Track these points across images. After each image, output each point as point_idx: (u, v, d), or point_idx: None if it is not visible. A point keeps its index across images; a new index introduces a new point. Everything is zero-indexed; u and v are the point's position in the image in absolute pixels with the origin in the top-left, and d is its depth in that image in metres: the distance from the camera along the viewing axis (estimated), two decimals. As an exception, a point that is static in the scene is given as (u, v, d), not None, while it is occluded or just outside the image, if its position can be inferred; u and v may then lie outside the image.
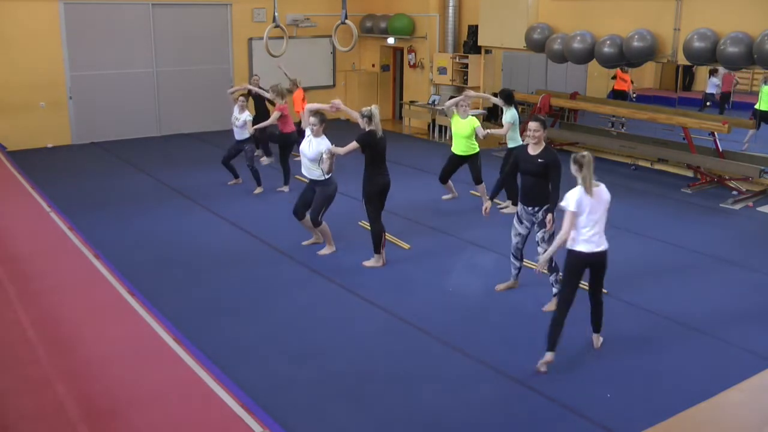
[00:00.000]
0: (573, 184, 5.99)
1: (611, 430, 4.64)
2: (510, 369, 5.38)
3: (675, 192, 10.53)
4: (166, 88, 14.61)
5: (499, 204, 9.57)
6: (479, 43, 14.24)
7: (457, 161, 9.43)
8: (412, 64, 15.77)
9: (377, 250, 7.43)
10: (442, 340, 5.85)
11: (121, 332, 5.53)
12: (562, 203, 5.27)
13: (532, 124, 6.12)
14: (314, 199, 7.52)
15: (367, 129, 7.09)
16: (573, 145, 12.91)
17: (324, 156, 7.23)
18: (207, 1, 14.73)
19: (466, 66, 14.57)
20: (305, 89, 12.35)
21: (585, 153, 5.26)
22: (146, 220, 9.03)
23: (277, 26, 10.21)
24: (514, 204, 9.27)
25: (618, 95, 14.30)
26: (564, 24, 12.46)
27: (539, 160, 6.10)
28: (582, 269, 5.33)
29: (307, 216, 7.76)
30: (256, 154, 10.37)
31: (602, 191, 5.30)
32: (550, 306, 6.39)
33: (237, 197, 10.13)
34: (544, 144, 6.19)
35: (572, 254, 5.30)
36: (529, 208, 6.30)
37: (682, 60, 10.86)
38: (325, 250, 7.79)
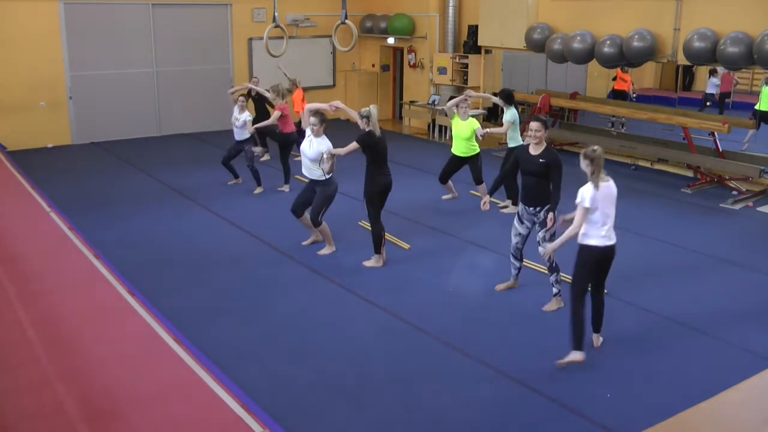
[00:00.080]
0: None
1: (611, 430, 4.64)
2: (510, 369, 5.38)
3: (675, 192, 10.54)
4: (166, 88, 14.61)
5: (499, 204, 9.58)
6: (479, 43, 14.24)
7: (457, 162, 9.43)
8: (412, 64, 15.78)
9: (377, 250, 7.43)
10: (442, 340, 5.85)
11: (121, 332, 5.53)
12: (577, 198, 5.28)
13: (534, 124, 6.12)
14: (314, 199, 7.53)
15: (366, 129, 7.09)
16: (573, 145, 12.92)
17: (324, 156, 7.24)
18: (207, 1, 14.73)
19: (466, 66, 14.57)
20: (305, 89, 12.36)
21: (596, 147, 5.30)
22: (146, 220, 9.03)
23: (277, 26, 10.22)
24: (514, 204, 9.28)
25: (618, 95, 14.30)
26: (564, 24, 12.46)
27: (540, 160, 6.11)
28: (594, 264, 5.36)
29: (306, 214, 7.77)
30: (254, 150, 10.37)
31: (612, 185, 5.35)
32: (551, 306, 6.40)
33: (237, 197, 10.13)
34: (545, 144, 6.19)
35: (585, 249, 5.33)
36: (530, 209, 6.30)
37: (682, 60, 10.87)
38: (325, 250, 7.80)
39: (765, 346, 5.74)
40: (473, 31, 14.36)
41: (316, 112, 7.45)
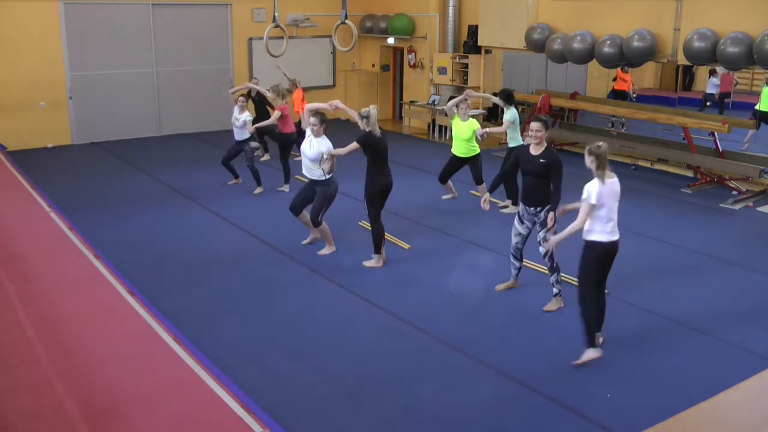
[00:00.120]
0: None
1: (611, 430, 4.64)
2: (510, 369, 5.38)
3: (675, 192, 10.54)
4: (166, 88, 14.62)
5: (499, 204, 9.58)
6: (479, 43, 14.24)
7: (457, 162, 9.44)
8: (412, 64, 15.78)
9: (377, 250, 7.43)
10: (442, 340, 5.85)
11: (121, 332, 5.53)
12: (583, 194, 5.30)
13: (534, 125, 6.12)
14: (315, 199, 7.53)
15: (366, 130, 7.10)
16: (573, 145, 12.92)
17: (324, 157, 7.24)
18: (207, 1, 14.74)
19: (466, 66, 14.57)
20: (305, 89, 12.35)
21: (600, 143, 5.32)
22: (146, 220, 9.03)
23: (277, 26, 10.22)
24: (514, 204, 9.28)
25: (618, 95, 14.30)
26: (564, 24, 12.46)
27: (541, 161, 6.11)
28: (600, 260, 5.38)
29: (305, 212, 7.77)
30: (251, 144, 10.36)
31: (616, 182, 5.38)
32: (551, 306, 6.39)
33: (237, 197, 10.13)
34: (545, 144, 6.19)
35: (592, 245, 5.35)
36: (531, 209, 6.30)
37: (682, 60, 10.87)
38: (325, 250, 7.80)
39: (765, 346, 5.74)
40: (473, 31, 14.36)
41: (316, 113, 7.45)
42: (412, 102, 15.52)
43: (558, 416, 4.82)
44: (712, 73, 13.77)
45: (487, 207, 7.07)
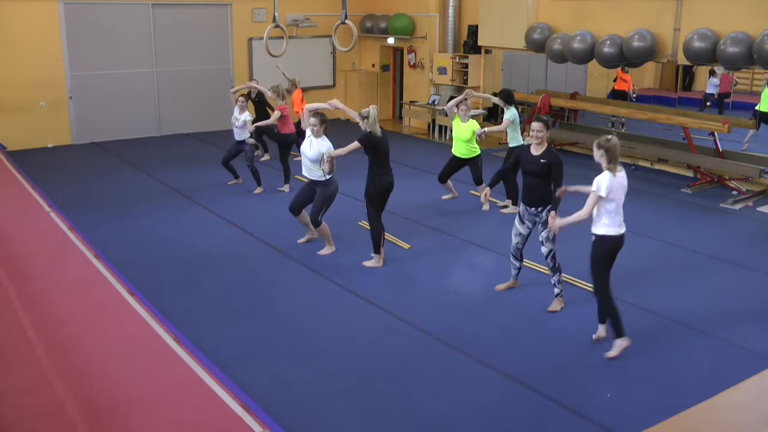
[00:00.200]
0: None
1: (611, 430, 4.64)
2: (510, 369, 5.38)
3: (675, 192, 10.53)
4: (166, 88, 14.61)
5: (499, 204, 9.58)
6: (479, 43, 14.24)
7: (458, 163, 9.44)
8: (412, 64, 15.78)
9: (377, 250, 7.43)
10: (442, 340, 5.85)
11: (121, 332, 5.53)
12: (592, 186, 5.33)
13: (536, 125, 6.12)
14: (314, 200, 7.53)
15: (367, 130, 7.10)
16: (573, 145, 12.92)
17: (324, 157, 7.23)
18: (207, 1, 14.73)
19: (466, 66, 14.57)
20: (305, 89, 12.36)
21: (610, 137, 5.37)
22: (146, 220, 9.03)
23: (277, 26, 10.21)
24: (514, 204, 9.28)
25: (618, 95, 14.30)
26: (564, 24, 12.46)
27: (542, 161, 6.11)
28: (612, 253, 5.44)
29: (304, 212, 7.78)
30: (256, 153, 10.38)
31: (624, 176, 5.43)
32: (554, 306, 6.38)
33: (237, 197, 10.13)
34: (546, 144, 6.20)
35: (603, 240, 5.40)
36: (532, 209, 6.29)
37: (682, 60, 10.87)
38: (325, 250, 7.80)
39: (765, 346, 5.74)
40: (473, 31, 14.36)
41: (316, 113, 7.45)
42: (412, 102, 15.52)
43: (558, 416, 4.82)
44: (712, 73, 13.78)
45: (487, 207, 7.10)
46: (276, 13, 10.29)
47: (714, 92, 13.96)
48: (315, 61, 16.23)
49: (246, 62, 15.40)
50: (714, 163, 10.68)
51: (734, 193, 10.38)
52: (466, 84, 14.39)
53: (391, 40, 15.74)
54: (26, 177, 10.23)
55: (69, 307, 6.00)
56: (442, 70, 14.92)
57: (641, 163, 11.94)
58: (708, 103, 14.08)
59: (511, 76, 14.86)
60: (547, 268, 6.47)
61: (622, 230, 5.44)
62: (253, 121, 10.40)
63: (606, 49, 11.35)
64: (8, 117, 13.00)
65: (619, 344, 5.52)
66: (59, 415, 4.38)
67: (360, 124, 7.17)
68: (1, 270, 6.73)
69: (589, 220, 5.52)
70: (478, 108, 14.12)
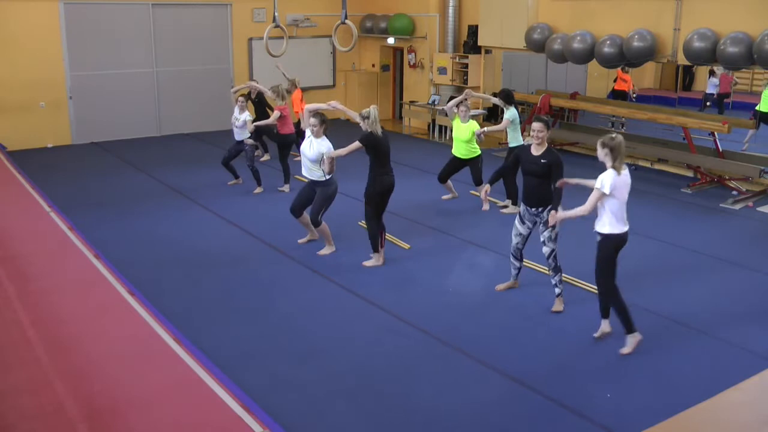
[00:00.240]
0: (574, 187, 5.99)
1: (611, 430, 4.64)
2: (510, 369, 5.38)
3: (675, 192, 10.53)
4: (166, 88, 14.62)
5: (499, 204, 9.58)
6: (479, 43, 14.24)
7: (458, 163, 9.44)
8: (412, 64, 15.78)
9: (375, 249, 7.44)
10: (442, 340, 5.85)
11: (121, 332, 5.53)
12: (596, 184, 5.36)
13: (536, 125, 6.12)
14: (314, 200, 7.53)
15: (369, 130, 7.11)
16: (573, 145, 12.93)
17: (324, 158, 7.24)
18: (207, 1, 14.73)
19: (466, 66, 14.57)
20: (305, 89, 12.35)
21: (614, 135, 5.40)
22: (146, 220, 9.03)
23: (277, 26, 10.21)
24: (514, 204, 9.28)
25: (618, 95, 14.30)
26: (564, 24, 12.46)
27: (542, 161, 6.11)
28: (616, 250, 5.49)
29: (305, 214, 7.77)
30: (256, 153, 10.37)
31: (628, 174, 5.47)
32: (558, 307, 6.37)
33: (237, 197, 10.13)
34: (546, 145, 6.20)
35: (610, 238, 5.44)
36: (533, 209, 6.29)
37: (682, 60, 10.87)
38: (325, 250, 7.80)
39: (765, 346, 5.74)
40: (473, 31, 14.36)
41: (317, 113, 7.45)
42: (412, 102, 15.52)
43: (558, 416, 4.82)
44: (712, 73, 13.78)
45: (487, 207, 7.05)
46: (276, 13, 10.30)
47: (714, 92, 13.96)
48: (315, 61, 16.23)
49: (246, 62, 15.40)
50: (714, 163, 10.68)
51: (734, 193, 10.38)
52: (466, 84, 14.39)
53: (391, 40, 15.74)
54: (26, 177, 10.22)
55: (69, 307, 6.00)
56: (442, 70, 14.92)
57: (641, 163, 11.94)
58: (708, 103, 14.08)
59: (511, 76, 14.86)
60: (547, 269, 6.47)
61: (626, 228, 5.49)
62: (253, 121, 10.41)
63: (606, 49, 11.35)
64: (8, 117, 13.00)
65: (632, 340, 5.57)
66: (59, 415, 4.38)
67: (361, 125, 7.18)
68: (1, 270, 6.73)
69: (591, 218, 5.53)
70: (478, 108, 14.11)
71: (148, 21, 14.14)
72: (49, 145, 13.53)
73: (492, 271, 7.24)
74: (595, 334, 5.85)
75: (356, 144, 7.09)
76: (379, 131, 7.11)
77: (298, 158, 8.27)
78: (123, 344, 5.33)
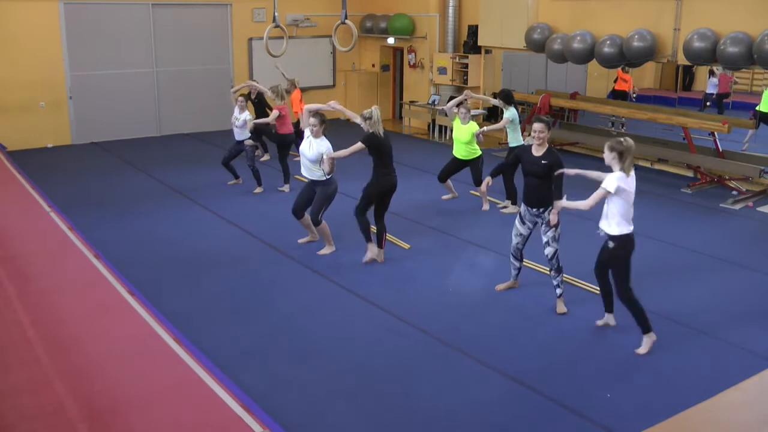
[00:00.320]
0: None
1: (611, 430, 4.64)
2: (510, 369, 5.38)
3: (675, 192, 10.53)
4: (166, 88, 14.61)
5: (499, 204, 9.58)
6: (479, 43, 14.24)
7: (458, 164, 9.44)
8: (412, 64, 15.78)
9: (368, 239, 7.43)
10: (442, 340, 5.85)
11: (121, 332, 5.53)
12: (603, 183, 5.39)
13: (537, 125, 6.12)
14: (314, 199, 7.53)
15: (370, 131, 7.12)
16: (573, 145, 12.92)
17: (324, 158, 7.24)
18: (207, 1, 14.73)
19: (466, 66, 14.57)
20: (305, 89, 12.35)
21: (622, 139, 5.43)
22: (146, 220, 9.03)
23: (277, 26, 10.21)
24: (513, 203, 9.29)
25: (618, 95, 14.29)
26: (564, 24, 12.46)
27: (543, 162, 6.11)
28: (632, 251, 5.57)
29: (306, 215, 7.77)
30: (256, 153, 10.38)
31: (633, 176, 5.52)
32: (561, 308, 6.36)
33: (237, 197, 10.13)
34: (547, 145, 6.21)
35: (626, 239, 5.51)
36: (533, 210, 6.29)
37: (682, 60, 10.87)
38: (325, 250, 7.80)
39: (765, 346, 5.74)
40: (473, 31, 14.36)
41: (316, 113, 7.45)
42: (412, 102, 15.52)
43: (558, 416, 4.82)
44: (712, 73, 13.77)
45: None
46: (276, 13, 10.29)
47: (713, 92, 13.96)
48: (315, 61, 16.23)
49: (246, 62, 15.39)
50: (714, 163, 10.68)
51: (734, 193, 10.38)
52: (466, 84, 14.39)
53: (391, 40, 15.74)
54: (26, 177, 10.22)
55: (69, 307, 6.00)
56: (442, 70, 14.91)
57: (641, 163, 11.93)
58: (708, 103, 14.07)
59: (511, 76, 14.86)
60: (548, 269, 6.46)
61: (632, 227, 5.58)
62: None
63: (606, 49, 11.35)
64: (8, 117, 13.00)
65: (648, 340, 5.60)
66: (59, 415, 4.38)
67: (362, 125, 7.18)
68: (1, 270, 6.73)
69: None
70: (478, 108, 14.11)
71: (148, 21, 14.14)
72: (49, 145, 13.53)
73: (492, 271, 7.24)
74: (599, 322, 5.91)
75: (358, 145, 7.10)
76: (381, 132, 7.12)
77: (297, 158, 8.28)
78: (123, 344, 5.33)
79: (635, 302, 5.56)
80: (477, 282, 7.04)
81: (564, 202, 5.74)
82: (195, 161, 12.34)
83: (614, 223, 5.44)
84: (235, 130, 10.17)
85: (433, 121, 14.74)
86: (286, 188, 10.37)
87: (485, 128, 9.42)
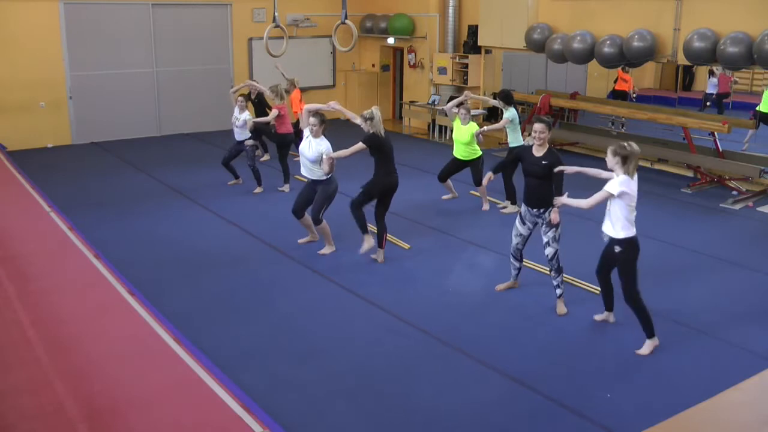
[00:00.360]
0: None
1: (611, 430, 4.64)
2: (510, 369, 5.38)
3: (675, 192, 10.53)
4: (166, 88, 14.61)
5: (499, 204, 9.58)
6: (479, 43, 14.24)
7: (458, 164, 9.44)
8: (412, 64, 15.77)
9: (364, 230, 7.44)
10: (443, 340, 5.85)
11: (121, 332, 5.53)
12: (606, 186, 5.42)
13: (538, 126, 6.13)
14: (315, 198, 7.54)
15: (371, 131, 7.12)
16: (573, 145, 12.92)
17: (324, 158, 7.24)
18: (207, 1, 14.73)
19: (466, 66, 14.56)
20: (305, 89, 12.35)
21: (626, 144, 5.44)
22: (146, 220, 9.03)
23: (277, 26, 10.21)
24: (513, 203, 9.29)
25: (618, 95, 14.29)
26: (564, 24, 12.46)
27: (543, 162, 6.12)
28: (638, 253, 5.59)
29: (307, 215, 7.78)
30: (256, 153, 10.38)
31: (636, 179, 5.57)
32: (561, 308, 6.36)
33: (237, 197, 10.13)
34: (548, 146, 6.21)
35: (633, 241, 5.54)
36: (534, 210, 6.29)
37: (682, 60, 10.87)
38: (325, 250, 7.80)
39: (765, 346, 5.74)
40: (473, 31, 14.36)
41: (316, 113, 7.45)
42: (412, 102, 15.52)
43: (558, 416, 4.82)
44: (712, 73, 13.77)
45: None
46: (276, 13, 10.30)
47: (713, 92, 13.96)
48: (315, 61, 16.23)
49: (246, 62, 15.39)
50: (714, 163, 10.68)
51: (734, 193, 10.38)
52: (466, 84, 14.39)
53: (391, 40, 15.74)
54: (26, 177, 10.22)
55: (69, 307, 6.00)
56: (442, 70, 14.91)
57: (641, 163, 11.91)
58: (708, 103, 14.07)
59: (511, 76, 14.86)
60: (548, 269, 6.46)
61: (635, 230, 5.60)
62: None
63: (606, 49, 11.35)
64: (8, 117, 13.00)
65: (650, 343, 5.60)
66: (59, 415, 4.38)
67: (363, 126, 7.19)
68: (1, 270, 6.73)
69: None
70: (478, 108, 14.11)
71: (148, 21, 14.14)
72: (49, 145, 13.53)
73: (492, 271, 7.24)
74: (597, 317, 5.95)
75: (359, 145, 7.10)
76: (382, 132, 7.13)
77: (297, 158, 8.28)
78: (123, 344, 5.32)
79: (642, 306, 5.56)
80: (477, 282, 7.04)
81: (564, 199, 5.75)
82: (195, 161, 12.34)
83: (619, 227, 5.44)
84: (236, 131, 10.17)
85: (433, 121, 14.74)
86: (286, 188, 10.37)
87: (485, 128, 9.42)
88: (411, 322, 6.16)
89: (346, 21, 9.89)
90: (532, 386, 5.14)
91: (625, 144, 5.41)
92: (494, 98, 10.83)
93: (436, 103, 14.49)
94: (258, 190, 10.31)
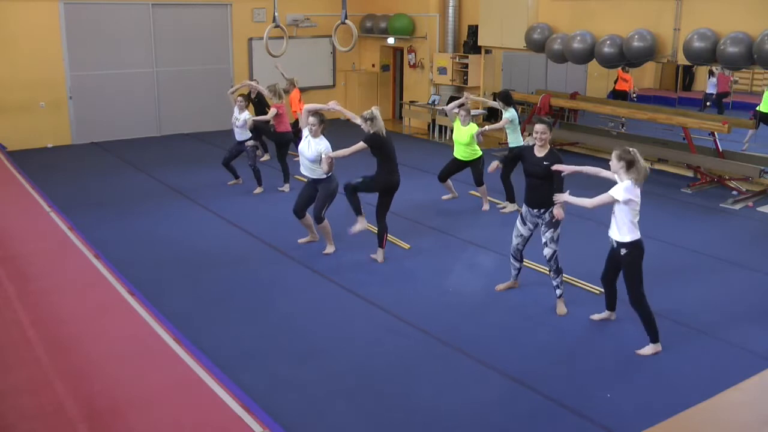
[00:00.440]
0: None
1: (611, 430, 4.64)
2: (510, 369, 5.38)
3: (675, 192, 10.53)
4: (166, 88, 14.61)
5: (499, 204, 9.58)
6: (479, 43, 14.24)
7: (459, 164, 9.44)
8: (412, 64, 15.77)
9: (358, 212, 7.44)
10: (442, 339, 5.85)
11: (121, 332, 5.53)
12: (611, 191, 5.42)
13: (539, 127, 6.13)
14: (317, 197, 7.54)
15: (372, 131, 7.12)
16: (573, 145, 12.92)
17: (323, 157, 7.24)
18: (207, 1, 14.73)
19: (466, 66, 14.56)
20: (305, 89, 12.35)
21: (629, 149, 5.43)
22: (146, 220, 9.03)
23: (277, 26, 10.21)
24: (512, 202, 9.29)
25: (618, 95, 14.29)
26: (564, 24, 12.46)
27: (545, 163, 6.12)
28: (642, 256, 5.57)
29: (307, 215, 7.78)
30: (257, 151, 10.37)
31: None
32: (561, 309, 6.36)
33: (237, 197, 10.13)
34: (549, 146, 6.21)
35: (638, 243, 5.50)
36: (535, 210, 6.29)
37: (682, 60, 10.87)
38: (327, 250, 7.80)
39: (765, 346, 5.74)
40: (473, 31, 14.36)
41: (316, 113, 7.45)
42: (412, 102, 15.52)
43: (558, 416, 4.82)
44: (711, 73, 13.77)
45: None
46: (276, 13, 10.29)
47: (713, 92, 13.96)
48: (315, 61, 16.23)
49: (246, 62, 15.39)
50: (714, 163, 10.68)
51: (734, 193, 10.38)
52: (466, 84, 14.39)
53: (391, 40, 15.73)
54: (26, 177, 10.22)
55: (69, 307, 6.00)
56: (442, 70, 14.91)
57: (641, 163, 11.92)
58: (708, 103, 14.08)
59: (511, 76, 14.86)
60: (547, 269, 6.46)
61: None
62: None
63: (606, 49, 11.35)
64: (8, 117, 12.99)
65: (653, 347, 5.60)
66: (59, 415, 4.38)
67: (363, 126, 7.19)
68: (1, 270, 6.73)
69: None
70: (478, 108, 14.11)
71: (148, 21, 14.14)
72: (49, 145, 13.53)
73: (492, 271, 7.24)
74: (596, 316, 6.00)
75: (360, 144, 7.11)
76: (383, 132, 7.13)
77: (297, 158, 8.28)
78: (123, 344, 5.32)
79: (647, 309, 5.55)
80: (477, 282, 7.04)
81: (566, 196, 5.74)
82: (195, 161, 12.34)
83: (625, 230, 5.45)
84: (236, 131, 10.17)
85: (433, 121, 14.74)
86: (286, 188, 10.37)
87: (485, 128, 9.42)
88: (411, 322, 6.16)
89: (346, 21, 9.89)
90: (532, 386, 5.14)
91: (629, 150, 5.41)
92: (494, 99, 10.83)
93: (436, 103, 14.49)
94: (258, 190, 10.31)
